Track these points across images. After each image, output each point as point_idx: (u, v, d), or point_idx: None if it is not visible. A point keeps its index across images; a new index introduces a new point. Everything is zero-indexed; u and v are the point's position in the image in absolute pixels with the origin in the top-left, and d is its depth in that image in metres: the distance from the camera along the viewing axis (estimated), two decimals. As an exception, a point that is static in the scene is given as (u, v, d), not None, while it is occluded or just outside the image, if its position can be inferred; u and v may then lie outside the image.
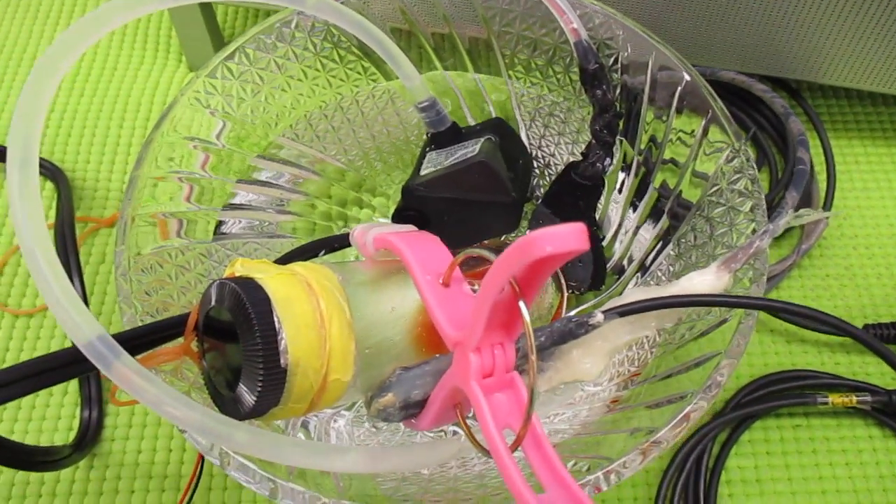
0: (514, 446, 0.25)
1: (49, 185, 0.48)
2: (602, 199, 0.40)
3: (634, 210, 0.39)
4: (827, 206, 0.45)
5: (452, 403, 0.29)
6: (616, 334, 0.31)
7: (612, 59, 0.38)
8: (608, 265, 0.39)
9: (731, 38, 0.45)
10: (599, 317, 0.29)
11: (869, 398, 0.38)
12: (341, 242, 0.36)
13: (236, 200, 0.40)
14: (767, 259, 0.30)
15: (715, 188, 0.34)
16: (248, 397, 0.27)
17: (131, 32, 0.55)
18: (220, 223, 0.39)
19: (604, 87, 0.37)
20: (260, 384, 0.26)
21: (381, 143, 0.43)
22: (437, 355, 0.30)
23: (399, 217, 0.39)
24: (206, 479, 0.38)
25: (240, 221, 0.40)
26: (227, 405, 0.28)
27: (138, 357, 0.29)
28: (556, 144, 0.42)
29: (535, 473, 0.25)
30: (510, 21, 0.39)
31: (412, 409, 0.29)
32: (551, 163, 0.43)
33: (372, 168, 0.44)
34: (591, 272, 0.38)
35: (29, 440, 0.40)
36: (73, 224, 0.43)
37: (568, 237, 0.22)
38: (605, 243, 0.40)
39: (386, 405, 0.29)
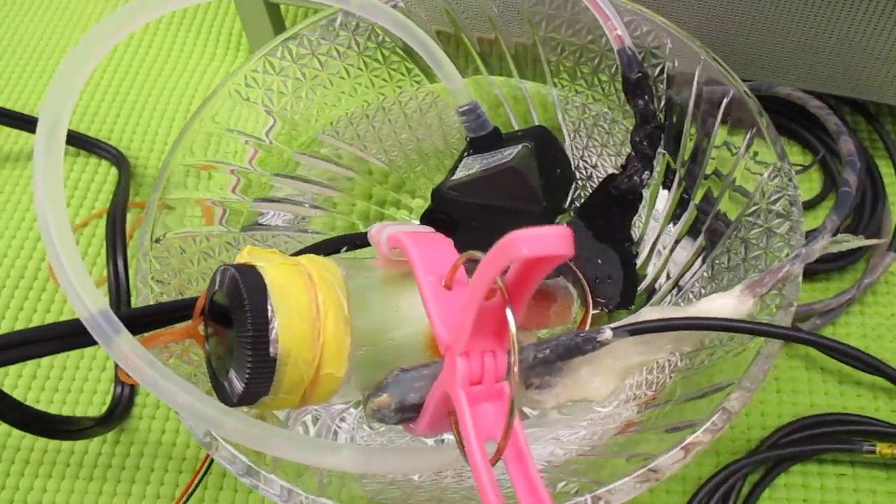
0: (495, 459, 0.24)
1: (113, 170, 0.50)
2: (642, 214, 0.38)
3: (673, 227, 0.37)
4: (896, 239, 0.41)
5: (446, 410, 0.28)
6: (627, 354, 0.29)
7: (657, 69, 0.36)
8: (642, 284, 0.37)
9: (804, 56, 0.42)
10: (608, 333, 0.28)
11: (924, 451, 0.35)
12: (363, 240, 0.36)
13: (278, 194, 0.41)
14: (799, 286, 0.28)
15: (754, 208, 0.32)
16: (238, 384, 0.27)
17: (206, 29, 0.58)
18: (260, 215, 0.40)
19: (646, 97, 0.35)
20: (248, 371, 0.26)
21: (424, 145, 0.43)
22: (437, 359, 0.29)
23: (428, 219, 0.38)
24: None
25: (281, 215, 0.41)
26: (222, 391, 0.28)
27: (145, 335, 0.30)
28: (599, 156, 0.41)
29: (514, 489, 0.24)
30: (556, 27, 0.38)
31: (408, 413, 0.28)
32: (593, 175, 0.41)
33: (413, 170, 0.44)
34: (621, 290, 0.36)
35: (65, 411, 0.42)
36: (126, 208, 0.45)
37: (547, 240, 0.21)
38: (640, 261, 0.38)
39: (381, 405, 0.28)
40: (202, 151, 0.35)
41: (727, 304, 0.28)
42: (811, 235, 0.30)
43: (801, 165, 0.45)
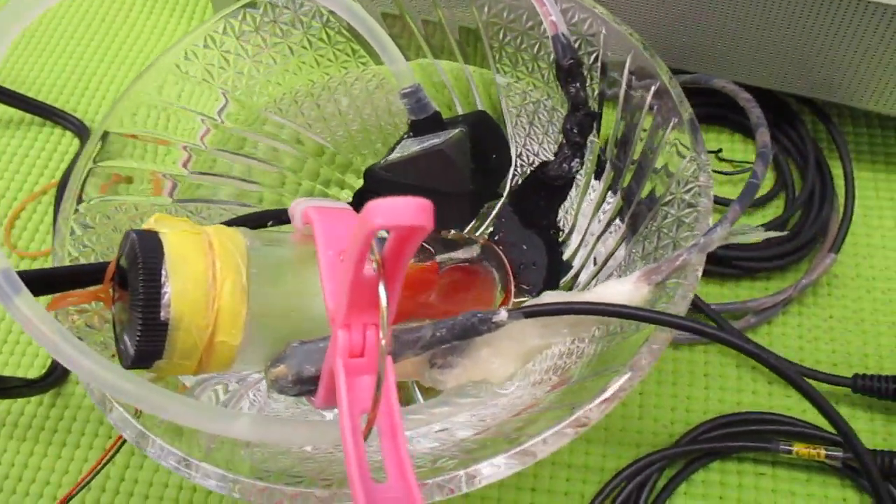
0: (366, 431, 0.25)
1: (76, 141, 0.51)
2: (574, 203, 0.38)
3: (603, 215, 0.37)
4: (838, 240, 0.41)
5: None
6: (526, 337, 0.29)
7: (592, 57, 0.36)
8: (571, 271, 0.37)
9: (756, 53, 0.42)
10: (503, 314, 0.28)
11: (840, 454, 0.34)
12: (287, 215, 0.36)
13: (224, 170, 0.41)
14: (698, 276, 0.28)
15: (670, 197, 0.31)
16: (130, 346, 0.27)
17: (182, 5, 0.58)
18: (204, 187, 0.40)
19: (577, 84, 0.35)
20: (139, 333, 0.26)
21: (370, 127, 0.43)
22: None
23: (359, 198, 0.38)
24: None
25: (225, 189, 0.41)
26: (120, 354, 0.28)
27: (54, 296, 0.31)
28: (540, 144, 0.41)
29: (384, 461, 0.24)
30: (498, 11, 0.38)
31: (306, 385, 0.28)
32: (535, 162, 0.41)
33: (359, 152, 0.44)
34: (544, 277, 0.36)
35: (7, 372, 0.43)
36: (78, 177, 0.46)
37: (398, 210, 0.22)
38: (572, 249, 0.38)
39: (278, 376, 0.28)
40: (131, 122, 0.36)
41: (623, 290, 0.28)
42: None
43: (751, 163, 0.45)
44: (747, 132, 0.47)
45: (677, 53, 0.44)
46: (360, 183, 0.45)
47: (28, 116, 0.52)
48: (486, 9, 0.38)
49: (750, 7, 0.40)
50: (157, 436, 0.27)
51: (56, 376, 0.41)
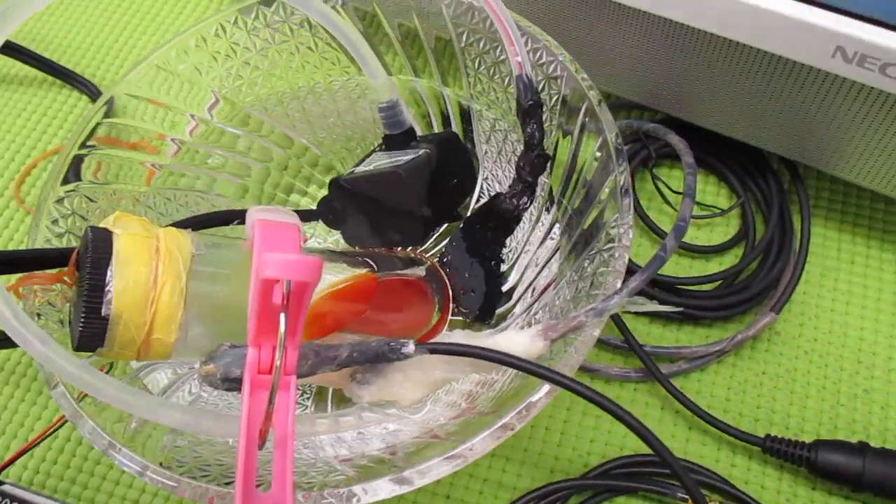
0: (260, 442, 0.27)
1: (90, 105, 0.54)
2: (526, 236, 0.40)
3: (544, 253, 0.38)
4: (783, 299, 0.41)
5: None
6: (433, 369, 0.31)
7: (554, 100, 0.37)
8: (510, 302, 0.39)
9: (734, 111, 0.42)
10: (410, 347, 0.30)
11: (734, 509, 0.36)
12: (249, 217, 0.38)
13: (210, 161, 0.44)
14: (594, 337, 0.29)
15: (594, 251, 0.33)
16: (75, 333, 0.30)
17: (206, -17, 0.60)
18: (187, 177, 0.43)
19: (534, 124, 0.36)
20: (82, 324, 0.30)
21: (353, 134, 0.45)
22: (263, 341, 0.32)
23: (323, 205, 0.41)
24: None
25: (208, 181, 0.44)
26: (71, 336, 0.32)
27: (21, 276, 0.34)
28: (504, 171, 0.42)
29: (273, 471, 0.27)
30: (475, 41, 0.40)
31: (234, 384, 0.31)
32: (498, 190, 0.43)
33: (340, 158, 0.46)
34: (481, 304, 0.38)
35: None
36: (83, 146, 0.49)
37: (286, 266, 0.24)
38: (512, 281, 0.40)
39: (207, 373, 0.31)
40: (122, 111, 0.39)
41: (520, 341, 0.30)
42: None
43: (720, 209, 0.46)
44: (721, 176, 0.47)
45: (666, 100, 0.44)
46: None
47: (48, 77, 0.55)
48: (464, 37, 0.40)
49: (726, 72, 0.40)
50: (91, 416, 0.30)
51: (41, 330, 0.45)
